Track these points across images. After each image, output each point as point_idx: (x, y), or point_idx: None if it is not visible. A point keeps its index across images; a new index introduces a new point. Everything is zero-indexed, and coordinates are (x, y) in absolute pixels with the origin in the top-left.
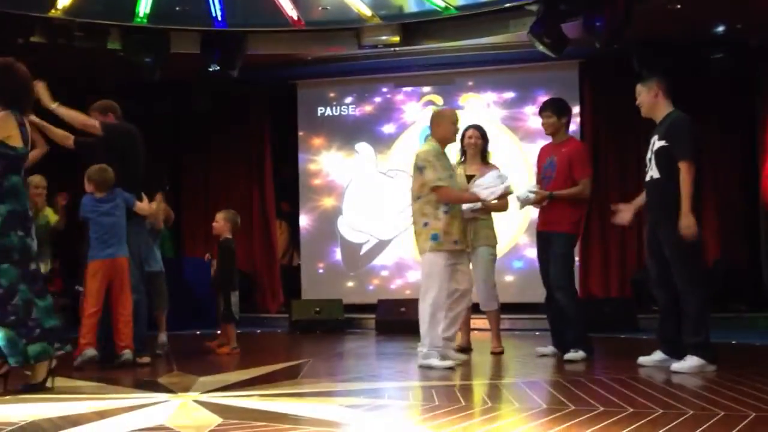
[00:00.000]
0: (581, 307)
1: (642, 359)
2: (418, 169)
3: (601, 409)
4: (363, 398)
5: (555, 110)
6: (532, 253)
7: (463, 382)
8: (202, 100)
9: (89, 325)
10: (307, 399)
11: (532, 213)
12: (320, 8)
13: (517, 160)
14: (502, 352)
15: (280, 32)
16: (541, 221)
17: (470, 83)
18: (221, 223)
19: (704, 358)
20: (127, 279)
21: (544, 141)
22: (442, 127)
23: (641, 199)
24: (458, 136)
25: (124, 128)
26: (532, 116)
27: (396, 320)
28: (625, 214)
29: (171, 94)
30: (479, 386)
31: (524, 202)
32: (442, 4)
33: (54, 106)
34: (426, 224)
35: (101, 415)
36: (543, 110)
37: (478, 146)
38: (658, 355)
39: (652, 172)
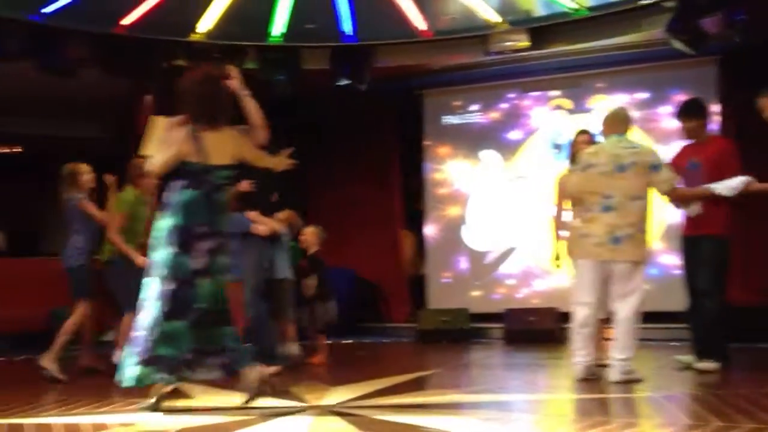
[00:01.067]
0: (725, 317)
1: None
2: (653, 167)
3: (750, 425)
4: (495, 411)
5: (691, 113)
6: (667, 259)
7: (596, 395)
8: (329, 113)
9: None
10: (439, 411)
11: (668, 218)
12: (447, 17)
13: None
14: None
15: (408, 44)
16: (689, 225)
17: (600, 85)
18: (310, 237)
19: None
20: (235, 299)
21: (681, 142)
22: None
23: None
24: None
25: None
26: (667, 117)
27: (525, 330)
28: None
29: (302, 109)
30: (614, 400)
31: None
32: (573, 6)
33: (246, 93)
34: (644, 231)
35: (242, 424)
36: (679, 115)
37: None
38: None
39: None
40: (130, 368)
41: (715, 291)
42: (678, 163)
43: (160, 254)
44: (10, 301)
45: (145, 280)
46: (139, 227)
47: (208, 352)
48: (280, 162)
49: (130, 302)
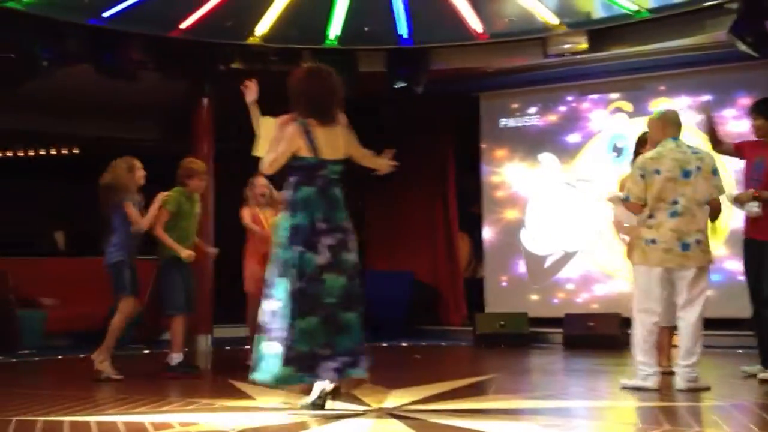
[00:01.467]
0: None
1: None
2: (713, 171)
3: None
4: (555, 417)
5: (760, 112)
6: (731, 265)
7: (663, 403)
8: (385, 116)
9: None
10: (499, 417)
11: (733, 222)
12: (505, 19)
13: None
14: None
15: (465, 46)
16: (750, 228)
17: (662, 88)
18: None
19: None
20: None
21: None
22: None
23: None
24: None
25: None
26: (731, 120)
27: (585, 335)
28: None
29: (358, 112)
30: (681, 408)
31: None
32: (633, 8)
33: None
34: (708, 235)
35: (302, 426)
36: (749, 113)
37: None
38: None
39: None
40: (271, 368)
41: None
42: (744, 151)
43: (286, 254)
44: (70, 300)
45: (276, 280)
46: (188, 226)
47: (342, 353)
48: (383, 163)
49: (174, 304)
